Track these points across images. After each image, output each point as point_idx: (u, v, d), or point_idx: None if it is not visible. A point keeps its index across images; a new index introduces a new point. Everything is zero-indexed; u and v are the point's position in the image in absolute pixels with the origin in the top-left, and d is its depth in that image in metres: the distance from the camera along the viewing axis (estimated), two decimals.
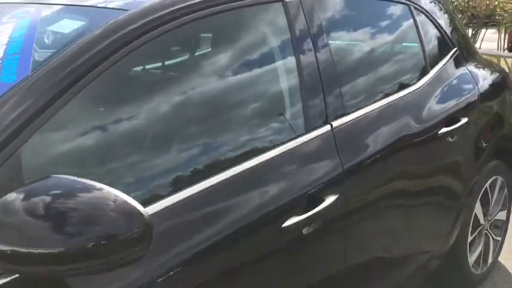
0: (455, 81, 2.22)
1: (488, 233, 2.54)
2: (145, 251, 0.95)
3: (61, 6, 1.43)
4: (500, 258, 2.75)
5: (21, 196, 0.90)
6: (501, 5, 8.55)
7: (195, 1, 1.33)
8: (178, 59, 1.55)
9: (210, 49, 1.58)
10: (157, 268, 1.12)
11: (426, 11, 2.23)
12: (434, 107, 2.02)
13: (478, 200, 2.35)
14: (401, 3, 2.11)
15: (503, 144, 2.51)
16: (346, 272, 1.63)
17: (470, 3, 8.80)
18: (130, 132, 1.24)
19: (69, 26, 1.28)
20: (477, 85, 2.31)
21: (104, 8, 1.33)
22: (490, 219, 2.53)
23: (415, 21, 2.14)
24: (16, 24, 1.29)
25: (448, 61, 2.25)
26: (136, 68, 1.39)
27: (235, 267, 1.28)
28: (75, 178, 0.94)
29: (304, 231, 1.40)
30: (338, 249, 1.58)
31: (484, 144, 2.31)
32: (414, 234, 1.99)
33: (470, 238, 2.36)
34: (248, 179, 1.32)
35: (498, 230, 2.63)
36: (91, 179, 0.94)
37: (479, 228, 2.44)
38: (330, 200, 1.45)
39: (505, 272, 2.71)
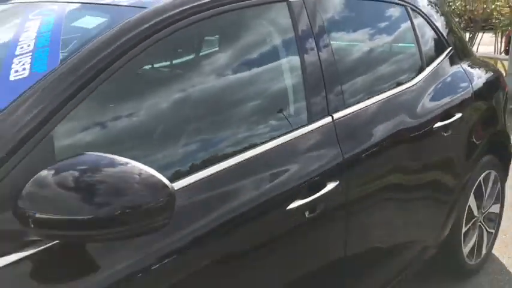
0: (449, 79, 2.32)
1: (482, 225, 2.64)
2: (169, 220, 1.04)
3: (83, 4, 1.54)
4: (494, 251, 2.85)
5: (52, 172, 1.00)
6: (498, 9, 8.60)
7: (203, 1, 1.43)
8: (189, 57, 1.67)
9: (218, 48, 1.70)
10: (171, 244, 1.20)
11: (423, 12, 2.33)
12: (429, 102, 2.11)
13: (472, 193, 2.45)
14: (400, 5, 2.22)
15: (496, 140, 2.62)
16: (346, 254, 1.74)
17: (467, 7, 8.87)
18: (160, 119, 1.36)
19: (92, 22, 1.38)
20: (471, 83, 2.42)
21: (125, 6, 1.45)
22: (483, 211, 2.63)
23: (412, 22, 2.24)
24: (42, 21, 1.39)
25: (443, 60, 2.35)
26: (160, 63, 1.53)
27: (246, 244, 1.39)
28: (101, 154, 1.03)
29: (307, 214, 1.50)
30: (338, 232, 1.68)
31: (478, 140, 2.41)
32: (410, 221, 2.09)
33: (464, 229, 2.46)
34: (257, 164, 1.44)
35: (492, 222, 2.73)
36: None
37: (473, 220, 2.54)
38: (330, 185, 1.56)
39: (499, 264, 2.80)
